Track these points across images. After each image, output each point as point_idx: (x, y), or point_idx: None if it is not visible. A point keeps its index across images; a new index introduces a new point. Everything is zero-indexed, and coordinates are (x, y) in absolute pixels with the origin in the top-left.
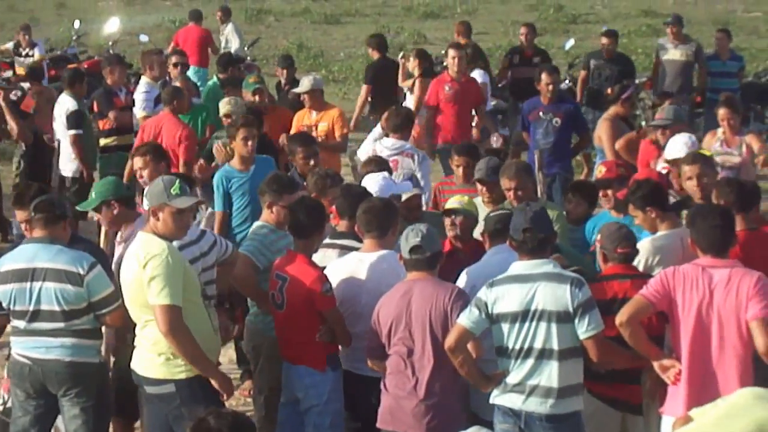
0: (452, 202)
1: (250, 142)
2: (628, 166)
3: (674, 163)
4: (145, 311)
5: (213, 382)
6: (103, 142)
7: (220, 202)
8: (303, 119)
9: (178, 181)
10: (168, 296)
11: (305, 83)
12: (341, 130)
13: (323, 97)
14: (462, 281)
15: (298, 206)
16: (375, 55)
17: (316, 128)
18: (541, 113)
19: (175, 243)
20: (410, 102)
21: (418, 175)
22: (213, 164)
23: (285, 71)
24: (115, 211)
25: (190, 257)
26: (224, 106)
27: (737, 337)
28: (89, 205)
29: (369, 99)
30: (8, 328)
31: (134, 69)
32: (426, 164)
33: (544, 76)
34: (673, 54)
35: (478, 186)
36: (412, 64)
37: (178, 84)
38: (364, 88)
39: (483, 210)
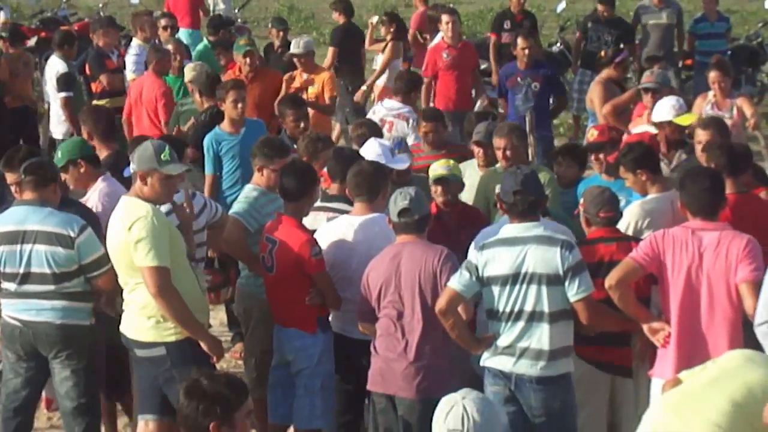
0: (439, 169)
1: (239, 105)
2: (619, 129)
3: (660, 125)
4: (132, 274)
5: (202, 344)
6: (95, 104)
7: (210, 164)
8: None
9: (167, 147)
10: (155, 258)
11: (301, 45)
12: (331, 92)
13: (314, 59)
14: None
15: (289, 169)
16: (341, 19)
17: (306, 91)
18: (519, 79)
19: (165, 207)
20: (378, 65)
21: (410, 140)
22: (185, 128)
23: (280, 33)
24: (82, 170)
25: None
26: (188, 72)
27: (727, 299)
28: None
29: (335, 63)
30: None
31: (125, 31)
32: None
33: (519, 41)
34: (659, 18)
35: (475, 149)
36: (386, 29)
37: (169, 47)
38: (330, 50)
39: (477, 173)
